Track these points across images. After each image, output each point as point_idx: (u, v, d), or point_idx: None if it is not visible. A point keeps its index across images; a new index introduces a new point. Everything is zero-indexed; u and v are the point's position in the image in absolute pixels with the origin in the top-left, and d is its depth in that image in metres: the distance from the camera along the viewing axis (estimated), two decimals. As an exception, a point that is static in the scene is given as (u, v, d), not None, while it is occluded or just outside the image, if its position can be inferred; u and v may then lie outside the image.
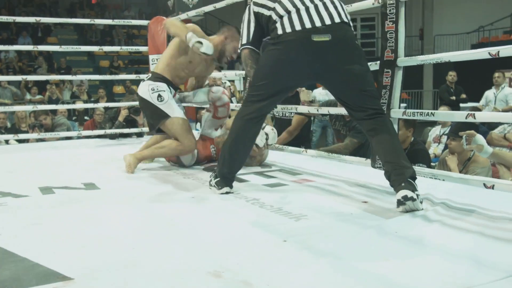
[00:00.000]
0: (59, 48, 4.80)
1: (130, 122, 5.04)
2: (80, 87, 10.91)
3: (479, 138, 2.28)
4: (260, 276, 1.38)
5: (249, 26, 2.39)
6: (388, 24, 2.41)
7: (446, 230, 1.78)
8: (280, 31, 2.16)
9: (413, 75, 7.30)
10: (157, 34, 4.98)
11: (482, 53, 2.02)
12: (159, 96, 3.01)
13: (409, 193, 1.93)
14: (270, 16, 2.26)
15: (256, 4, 2.37)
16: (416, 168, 2.20)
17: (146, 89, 3.04)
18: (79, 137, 5.26)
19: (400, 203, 1.95)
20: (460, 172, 3.30)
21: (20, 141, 5.06)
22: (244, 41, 2.41)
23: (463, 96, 8.12)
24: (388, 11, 2.40)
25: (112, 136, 4.96)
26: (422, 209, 1.97)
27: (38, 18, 4.52)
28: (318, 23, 2.11)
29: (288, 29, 2.14)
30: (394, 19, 2.39)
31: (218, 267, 1.43)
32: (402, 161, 2.07)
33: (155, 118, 3.05)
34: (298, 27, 2.13)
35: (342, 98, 2.28)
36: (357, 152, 3.56)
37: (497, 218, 1.88)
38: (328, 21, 2.12)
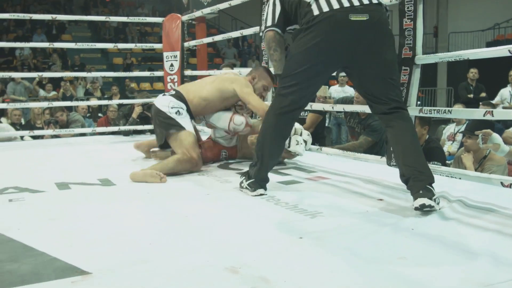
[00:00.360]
0: (75, 45, 4.83)
1: (143, 119, 5.07)
2: (94, 84, 10.98)
3: (496, 137, 2.26)
4: (277, 272, 1.38)
5: (274, 9, 2.33)
6: (406, 22, 2.39)
7: (463, 228, 1.77)
8: (316, 12, 2.07)
9: (427, 73, 7.23)
10: (171, 31, 5.00)
11: (501, 51, 1.99)
12: (178, 112, 2.97)
13: (427, 201, 1.89)
14: (301, 0, 2.18)
15: None
16: (432, 166, 2.18)
17: (166, 104, 3.00)
18: (93, 134, 5.31)
19: (417, 209, 1.93)
20: (476, 170, 3.26)
21: (34, 137, 5.11)
22: (269, 23, 2.33)
23: (483, 94, 7.89)
24: (406, 8, 2.38)
25: (126, 133, 5.00)
26: (440, 209, 1.96)
27: (54, 16, 4.56)
28: (356, 2, 2.05)
29: (326, 8, 2.06)
30: (412, 16, 2.36)
31: (235, 263, 1.44)
32: (422, 166, 2.02)
33: (165, 126, 2.96)
34: (336, 5, 2.05)
35: (367, 86, 2.19)
36: (371, 151, 3.54)
37: (514, 217, 1.86)
38: (365, 1, 2.06)
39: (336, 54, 2.13)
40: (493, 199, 2.05)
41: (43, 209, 2.13)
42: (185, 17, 4.98)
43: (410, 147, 2.07)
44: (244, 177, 2.39)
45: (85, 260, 1.49)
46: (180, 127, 2.94)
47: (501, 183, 1.93)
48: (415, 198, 1.94)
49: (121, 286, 1.33)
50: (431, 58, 2.46)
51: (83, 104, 6.91)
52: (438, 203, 1.95)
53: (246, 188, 2.34)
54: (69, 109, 6.57)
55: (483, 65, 8.23)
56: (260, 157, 2.31)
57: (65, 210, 2.12)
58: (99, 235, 1.77)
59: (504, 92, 7.48)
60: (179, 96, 3.05)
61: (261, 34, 2.58)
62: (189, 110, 3.04)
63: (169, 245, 1.65)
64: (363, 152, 3.30)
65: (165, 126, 2.97)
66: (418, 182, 1.97)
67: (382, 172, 2.65)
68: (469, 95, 7.97)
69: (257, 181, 2.32)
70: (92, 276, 1.38)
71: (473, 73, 8.15)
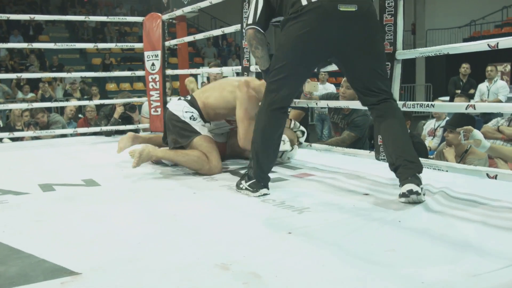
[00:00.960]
0: (54, 46, 4.77)
1: (125, 119, 5.03)
2: (73, 84, 10.85)
3: (477, 133, 2.30)
4: (268, 267, 1.39)
5: (256, 6, 2.33)
6: (386, 17, 2.42)
7: (449, 220, 1.80)
8: (305, 2, 2.07)
9: (405, 69, 7.29)
10: (152, 30, 4.96)
11: (481, 45, 2.03)
12: (192, 116, 2.91)
13: (414, 187, 1.94)
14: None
15: None
16: (421, 160, 2.22)
17: (181, 108, 2.93)
18: (74, 135, 5.25)
19: (404, 195, 1.96)
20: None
21: (14, 139, 5.04)
22: (250, 21, 2.33)
23: (472, 91, 7.93)
24: (386, 4, 2.41)
25: (108, 133, 4.95)
26: (424, 201, 1.99)
27: (32, 16, 4.49)
28: None
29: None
30: (392, 12, 2.39)
31: (225, 260, 1.44)
32: (411, 155, 2.06)
33: (184, 135, 2.87)
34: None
35: (357, 76, 2.21)
36: (353, 146, 3.57)
37: (498, 208, 1.90)
38: None
39: (325, 44, 2.12)
40: (477, 191, 2.09)
41: (28, 211, 2.10)
42: (165, 16, 4.95)
43: (400, 137, 2.10)
44: (243, 179, 2.32)
45: (74, 261, 1.48)
46: (196, 133, 2.86)
47: (487, 174, 1.97)
48: (402, 184, 1.98)
49: (112, 285, 1.32)
50: (411, 53, 2.49)
51: (65, 104, 6.82)
52: (424, 194, 1.99)
53: (246, 189, 2.26)
54: (49, 110, 6.48)
55: (460, 61, 8.34)
56: (255, 157, 2.27)
57: (50, 211, 2.09)
58: (87, 236, 1.75)
59: (482, 87, 7.61)
60: (192, 102, 2.98)
61: (243, 31, 2.58)
62: (202, 116, 2.95)
63: (158, 244, 1.64)
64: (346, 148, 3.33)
65: (180, 133, 2.88)
66: (407, 170, 2.01)
67: (368, 167, 2.68)
68: (457, 91, 7.97)
69: (258, 181, 2.25)
70: (82, 276, 1.37)
71: (464, 68, 8.12)
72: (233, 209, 2.08)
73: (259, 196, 2.22)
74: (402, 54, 2.44)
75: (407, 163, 2.02)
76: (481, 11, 15.03)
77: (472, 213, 1.85)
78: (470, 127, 2.36)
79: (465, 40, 15.60)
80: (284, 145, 2.95)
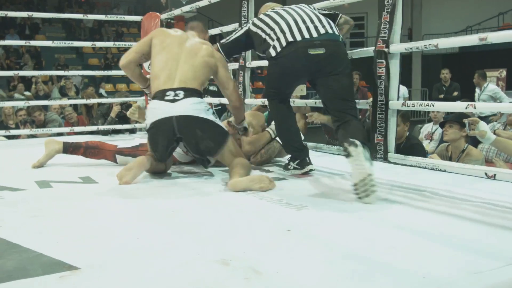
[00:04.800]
0: (52, 44, 4.75)
1: (122, 118, 5.02)
2: (67, 80, 10.74)
3: (483, 124, 2.29)
4: (269, 263, 1.38)
5: (236, 41, 2.77)
6: (384, 15, 2.44)
7: (449, 218, 1.80)
8: (279, 49, 2.49)
9: (401, 74, 7.28)
10: (150, 29, 4.95)
11: (472, 39, 2.06)
12: (214, 113, 2.57)
13: (355, 141, 2.06)
14: (265, 39, 2.59)
15: (255, 25, 2.70)
16: (416, 158, 2.22)
17: (201, 108, 2.49)
18: (70, 133, 5.23)
19: (348, 144, 2.08)
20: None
21: (9, 137, 5.01)
22: (223, 51, 2.78)
23: (455, 94, 8.02)
24: (385, 2, 2.42)
25: (105, 132, 4.94)
26: (370, 161, 2.03)
27: (30, 13, 4.47)
28: (314, 34, 2.45)
29: (284, 44, 2.47)
30: (389, 10, 2.41)
31: (225, 256, 1.43)
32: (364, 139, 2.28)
33: (221, 138, 2.54)
34: (298, 37, 2.45)
35: (327, 103, 2.59)
36: None
37: (498, 207, 1.90)
38: (323, 37, 2.45)
39: (300, 78, 2.66)
40: (476, 190, 2.09)
41: (25, 207, 2.09)
42: (164, 16, 4.95)
43: (355, 129, 2.38)
44: (290, 161, 2.67)
45: (72, 256, 1.46)
46: (227, 133, 2.61)
47: (485, 173, 1.97)
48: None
49: (111, 280, 1.31)
50: (401, 47, 2.49)
51: (55, 103, 6.75)
52: (368, 159, 2.07)
53: (294, 168, 2.64)
54: (45, 108, 6.46)
55: (458, 66, 8.38)
56: (286, 137, 2.71)
57: (47, 208, 2.08)
58: (85, 231, 1.74)
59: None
60: (198, 93, 2.56)
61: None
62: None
63: (157, 240, 1.63)
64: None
65: (221, 140, 2.54)
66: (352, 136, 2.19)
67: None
68: (440, 95, 8.06)
69: (303, 158, 2.63)
70: (81, 271, 1.35)
71: (444, 74, 8.24)
72: (232, 206, 2.08)
73: (305, 171, 2.61)
74: (394, 49, 2.45)
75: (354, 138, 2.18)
76: (477, 17, 15.11)
77: (471, 212, 1.85)
78: (476, 118, 2.36)
79: (461, 46, 15.67)
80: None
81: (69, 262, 1.41)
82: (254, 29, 2.70)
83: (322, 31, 2.47)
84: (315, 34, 2.46)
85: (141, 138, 3.27)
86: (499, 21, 15.07)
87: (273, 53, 2.51)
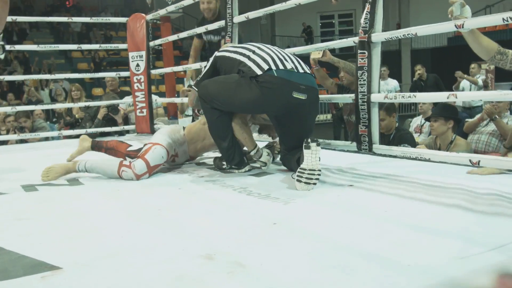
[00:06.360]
0: (37, 47, 4.72)
1: (110, 120, 4.99)
2: (57, 83, 10.67)
3: (468, 10, 2.18)
4: (253, 257, 1.37)
5: (207, 75, 2.66)
6: (367, 6, 2.44)
7: (434, 207, 1.79)
8: (265, 67, 2.38)
9: (391, 70, 7.28)
10: (136, 31, 4.94)
11: (448, 26, 2.08)
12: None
13: (318, 141, 2.19)
14: (241, 61, 2.49)
15: (225, 51, 2.65)
16: (401, 148, 2.22)
17: None
18: (56, 138, 5.20)
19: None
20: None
21: (-1, 144, 4.97)
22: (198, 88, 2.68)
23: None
24: (369, -8, 2.42)
25: (93, 135, 4.90)
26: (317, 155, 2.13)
27: (14, 17, 4.43)
28: (300, 69, 2.45)
29: (269, 67, 2.38)
30: (370, 1, 2.41)
31: (209, 251, 1.42)
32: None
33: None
34: (279, 68, 2.39)
35: (284, 138, 2.61)
36: None
37: (482, 194, 1.90)
38: (306, 81, 2.43)
39: (269, 111, 2.57)
40: (461, 180, 2.09)
41: (9, 210, 2.07)
42: (149, 16, 4.93)
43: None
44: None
45: (55, 256, 1.45)
46: None
47: (470, 160, 1.97)
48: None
49: (93, 279, 1.29)
50: (382, 36, 2.49)
51: (43, 108, 6.67)
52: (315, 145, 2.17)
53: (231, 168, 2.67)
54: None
55: (444, 60, 8.40)
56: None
57: (32, 210, 2.06)
58: (68, 232, 1.72)
59: (465, 84, 7.65)
60: None
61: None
62: None
63: (142, 238, 1.62)
64: None
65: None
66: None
67: (352, 161, 2.68)
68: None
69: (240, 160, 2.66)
70: (63, 271, 1.34)
71: (417, 70, 8.14)
72: (218, 203, 2.07)
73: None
74: (376, 38, 2.46)
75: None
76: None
77: (457, 200, 1.84)
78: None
79: (449, 39, 15.75)
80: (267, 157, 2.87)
81: (52, 262, 1.40)
82: (225, 54, 2.63)
83: (300, 69, 2.46)
84: (301, 70, 2.45)
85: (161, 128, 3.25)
86: (486, 14, 15.12)
87: (257, 71, 2.39)
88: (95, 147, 3.18)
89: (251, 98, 2.43)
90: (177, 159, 2.93)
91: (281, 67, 2.40)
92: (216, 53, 2.71)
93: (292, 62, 2.48)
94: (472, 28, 2.05)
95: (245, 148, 2.72)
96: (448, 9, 2.08)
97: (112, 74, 6.12)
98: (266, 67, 2.39)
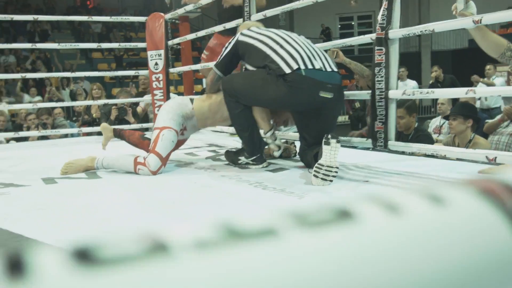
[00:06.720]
0: (58, 46, 4.82)
1: (123, 120, 5.03)
2: (77, 83, 10.81)
3: (473, 5, 2.17)
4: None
5: (229, 56, 2.66)
6: (384, 2, 2.43)
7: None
8: (294, 66, 2.35)
9: (411, 71, 7.22)
10: (155, 30, 4.99)
11: (466, 22, 2.06)
12: None
13: (338, 138, 2.21)
14: (266, 53, 2.45)
15: (247, 36, 2.59)
16: (419, 145, 2.21)
17: None
18: (78, 135, 5.28)
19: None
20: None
21: (18, 140, 5.05)
22: (218, 71, 2.70)
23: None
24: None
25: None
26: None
27: (35, 16, 4.52)
28: (326, 82, 2.40)
29: (298, 66, 2.35)
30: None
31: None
32: None
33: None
34: (308, 68, 2.36)
35: (306, 132, 2.59)
36: None
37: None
38: (333, 80, 2.43)
39: (296, 107, 2.55)
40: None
41: (29, 201, 2.11)
42: (168, 16, 4.97)
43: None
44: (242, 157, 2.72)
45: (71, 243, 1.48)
46: None
47: (486, 157, 1.95)
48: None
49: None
50: (399, 32, 2.49)
51: (70, 104, 6.78)
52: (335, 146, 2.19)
53: (247, 164, 2.69)
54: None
55: (464, 62, 8.30)
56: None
57: (51, 201, 2.10)
58: (86, 221, 1.76)
59: (482, 85, 7.57)
60: None
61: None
62: None
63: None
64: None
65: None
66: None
67: (367, 158, 2.67)
68: None
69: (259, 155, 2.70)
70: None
71: (433, 71, 8.08)
72: (233, 197, 2.08)
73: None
74: (393, 35, 2.45)
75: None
76: (486, 12, 14.97)
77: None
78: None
79: (470, 40, 15.55)
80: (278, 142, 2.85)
81: (69, 249, 1.42)
82: (250, 41, 2.56)
83: (328, 68, 2.44)
84: (328, 68, 2.43)
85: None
86: (508, 15, 14.92)
87: (286, 69, 2.35)
88: (118, 135, 3.23)
89: (278, 96, 2.41)
90: (186, 133, 2.90)
91: (309, 66, 2.37)
92: (239, 37, 2.63)
93: (320, 59, 2.45)
94: (479, 25, 1.98)
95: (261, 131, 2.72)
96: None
97: (131, 72, 6.19)
98: (295, 66, 2.34)
